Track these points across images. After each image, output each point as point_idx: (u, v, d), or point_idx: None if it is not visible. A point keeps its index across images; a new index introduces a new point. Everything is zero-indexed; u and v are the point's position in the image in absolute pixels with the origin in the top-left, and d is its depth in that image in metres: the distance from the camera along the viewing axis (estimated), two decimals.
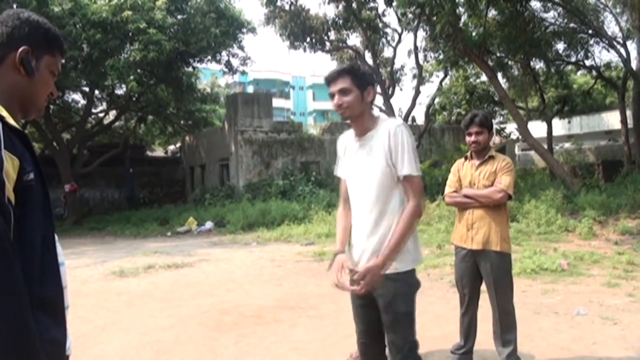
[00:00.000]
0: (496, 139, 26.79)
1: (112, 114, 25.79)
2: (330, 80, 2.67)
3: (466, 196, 4.06)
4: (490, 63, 19.18)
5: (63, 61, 1.70)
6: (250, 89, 50.92)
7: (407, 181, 2.63)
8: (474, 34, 17.05)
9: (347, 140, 2.86)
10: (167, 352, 4.93)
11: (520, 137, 21.43)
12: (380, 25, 23.55)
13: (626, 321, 5.32)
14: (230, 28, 19.76)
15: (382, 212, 2.65)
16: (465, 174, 4.15)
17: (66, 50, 1.68)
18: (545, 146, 21.23)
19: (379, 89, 23.90)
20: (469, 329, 4.19)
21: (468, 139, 4.12)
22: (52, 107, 21.96)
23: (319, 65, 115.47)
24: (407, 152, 2.60)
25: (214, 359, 4.72)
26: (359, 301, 2.81)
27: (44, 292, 1.40)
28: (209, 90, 28.98)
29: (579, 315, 5.59)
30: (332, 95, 2.69)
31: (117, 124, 26.49)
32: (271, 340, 5.17)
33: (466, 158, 4.25)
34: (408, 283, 2.68)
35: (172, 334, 5.51)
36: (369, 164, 2.66)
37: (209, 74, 33.03)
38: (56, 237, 1.52)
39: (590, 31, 21.06)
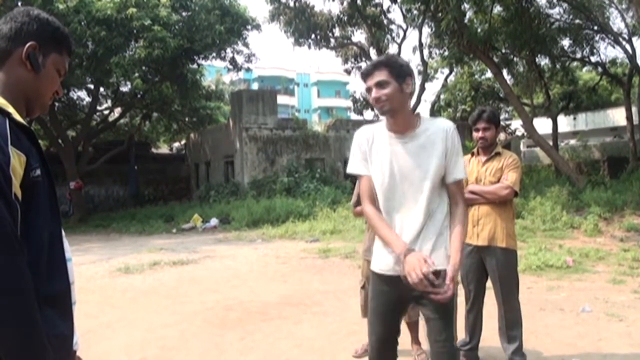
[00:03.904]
0: (501, 136, 26.71)
1: (117, 111, 25.85)
2: (366, 74, 2.56)
3: (472, 192, 4.05)
4: (496, 59, 19.11)
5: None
6: (254, 86, 50.99)
7: (457, 185, 2.59)
8: (479, 30, 17.00)
9: (375, 136, 2.65)
10: (172, 349, 4.94)
11: (525, 133, 21.38)
12: (385, 21, 23.56)
13: (632, 318, 5.31)
14: (235, 25, 19.75)
15: (432, 213, 2.56)
16: (472, 170, 4.14)
17: (74, 50, 1.68)
18: (551, 143, 21.16)
19: None
20: (474, 325, 4.19)
21: (475, 135, 4.11)
22: (57, 104, 22.00)
23: (323, 62, 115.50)
24: (461, 155, 2.60)
25: (218, 355, 4.73)
26: (386, 306, 2.68)
27: (51, 288, 1.40)
28: (213, 87, 28.99)
29: (584, 312, 5.58)
30: (369, 90, 2.57)
31: (122, 121, 26.56)
32: (276, 337, 5.17)
33: (473, 154, 4.24)
34: None
35: (177, 330, 5.52)
36: (421, 163, 2.54)
37: (214, 71, 33.05)
38: (63, 232, 1.52)
39: (595, 27, 20.97)
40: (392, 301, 2.67)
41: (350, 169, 2.72)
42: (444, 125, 2.59)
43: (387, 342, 2.75)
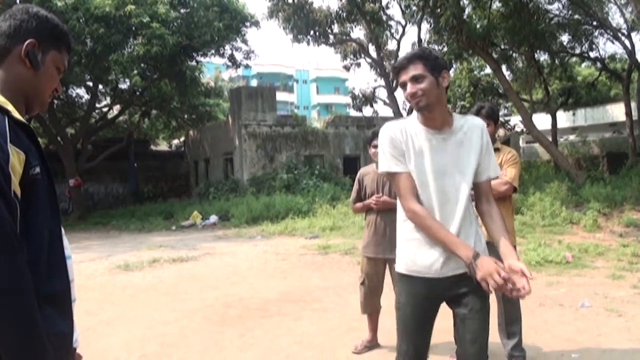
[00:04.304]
0: (500, 132, 26.69)
1: (116, 108, 25.84)
2: (400, 68, 2.43)
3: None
4: (495, 55, 19.08)
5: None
6: (253, 83, 50.85)
7: (489, 183, 2.56)
8: (478, 26, 16.98)
9: (408, 131, 2.48)
10: (171, 346, 4.95)
11: (524, 129, 21.39)
12: (384, 18, 23.48)
13: (631, 313, 5.31)
14: (234, 22, 19.74)
15: (468, 210, 2.48)
16: None
17: (73, 47, 1.68)
18: (550, 138, 21.16)
19: (382, 82, 23.84)
20: None
21: None
22: (56, 102, 21.99)
23: (322, 58, 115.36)
24: (494, 154, 2.57)
25: (218, 352, 4.74)
26: (422, 309, 2.57)
27: (51, 286, 1.40)
28: (212, 84, 28.94)
29: (583, 307, 5.59)
30: (403, 85, 2.43)
31: (121, 118, 26.53)
32: (276, 333, 5.18)
33: None
34: None
35: (176, 327, 5.53)
36: (461, 160, 2.46)
37: (213, 68, 32.98)
38: (62, 230, 1.52)
39: (594, 23, 20.96)
40: (431, 304, 2.57)
41: (385, 168, 2.51)
42: (478, 122, 2.54)
43: (423, 355, 2.64)
